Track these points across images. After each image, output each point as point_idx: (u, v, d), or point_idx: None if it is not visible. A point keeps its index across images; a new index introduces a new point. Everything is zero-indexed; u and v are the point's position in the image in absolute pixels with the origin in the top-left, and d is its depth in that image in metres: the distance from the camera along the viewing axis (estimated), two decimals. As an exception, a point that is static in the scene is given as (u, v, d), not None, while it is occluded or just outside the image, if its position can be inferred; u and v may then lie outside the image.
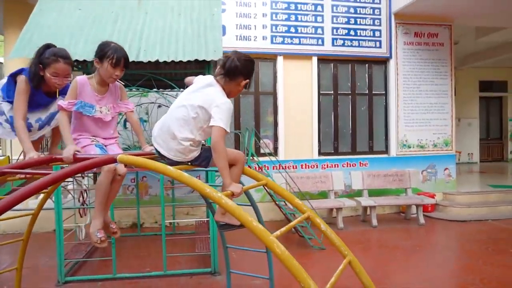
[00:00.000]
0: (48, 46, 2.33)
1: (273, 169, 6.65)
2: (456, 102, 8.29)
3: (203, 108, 1.96)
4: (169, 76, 5.31)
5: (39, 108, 2.40)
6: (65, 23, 4.32)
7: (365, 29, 7.42)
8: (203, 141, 2.14)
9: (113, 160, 1.83)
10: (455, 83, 8.01)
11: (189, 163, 2.08)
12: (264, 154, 6.73)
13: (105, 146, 2.29)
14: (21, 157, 2.65)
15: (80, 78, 2.25)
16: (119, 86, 2.44)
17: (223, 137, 1.90)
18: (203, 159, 2.05)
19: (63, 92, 2.37)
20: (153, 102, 6.46)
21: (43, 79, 2.30)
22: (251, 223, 1.39)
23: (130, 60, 3.97)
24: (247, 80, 2.08)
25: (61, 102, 2.19)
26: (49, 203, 3.83)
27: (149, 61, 4.02)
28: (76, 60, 3.97)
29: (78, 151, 2.02)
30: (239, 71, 2.03)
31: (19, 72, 2.33)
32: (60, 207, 4.14)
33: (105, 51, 2.21)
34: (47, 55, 2.26)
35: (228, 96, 2.07)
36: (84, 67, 4.84)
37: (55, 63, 2.25)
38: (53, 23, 4.29)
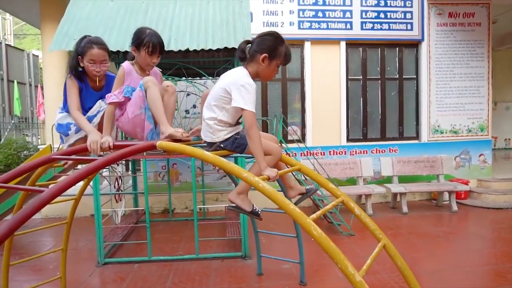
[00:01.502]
0: (84, 38, 2.42)
1: (301, 155, 6.65)
2: (493, 85, 7.92)
3: (225, 90, 2.03)
4: (197, 64, 5.39)
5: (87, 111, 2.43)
6: (99, 15, 4.46)
7: (396, 11, 7.18)
8: (235, 126, 2.18)
9: (152, 147, 1.91)
10: (492, 65, 7.64)
11: (221, 145, 2.12)
12: (291, 141, 6.74)
13: None
14: (61, 145, 2.76)
15: (126, 65, 2.30)
16: (159, 72, 2.51)
17: (254, 121, 1.94)
18: (237, 145, 2.10)
19: (108, 91, 2.37)
20: (182, 91, 6.57)
21: (86, 73, 2.39)
22: (289, 206, 1.43)
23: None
24: (264, 54, 2.02)
25: (111, 98, 2.19)
26: (86, 190, 3.99)
27: (179, 50, 4.08)
28: (110, 51, 4.10)
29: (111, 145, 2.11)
30: (253, 49, 2.06)
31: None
32: (98, 192, 4.33)
33: (142, 38, 2.23)
34: (82, 44, 2.34)
35: (261, 78, 2.12)
36: (116, 57, 4.98)
37: (89, 49, 2.31)
38: (87, 15, 4.43)
